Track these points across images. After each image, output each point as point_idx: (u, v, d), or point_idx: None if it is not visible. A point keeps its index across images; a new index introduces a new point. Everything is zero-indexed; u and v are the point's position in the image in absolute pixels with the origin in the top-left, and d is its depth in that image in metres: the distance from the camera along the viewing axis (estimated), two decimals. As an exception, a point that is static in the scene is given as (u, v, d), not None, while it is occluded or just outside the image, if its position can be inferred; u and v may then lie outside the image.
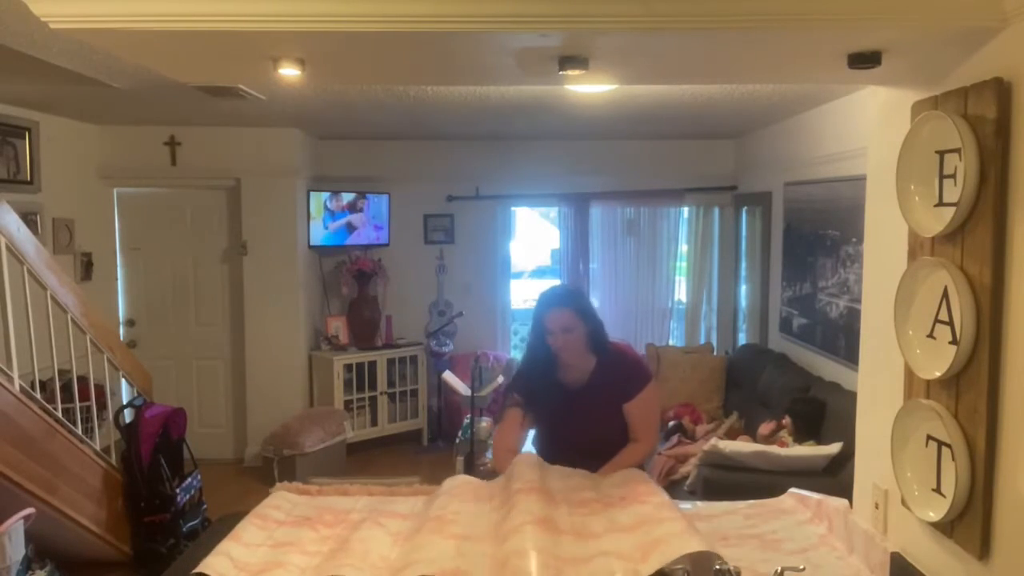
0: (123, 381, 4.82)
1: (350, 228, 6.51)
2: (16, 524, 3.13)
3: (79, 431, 3.94)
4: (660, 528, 1.92)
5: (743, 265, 6.63)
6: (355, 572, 1.90)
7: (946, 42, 1.65)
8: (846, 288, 4.46)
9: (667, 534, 1.87)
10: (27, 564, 3.35)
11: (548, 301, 2.66)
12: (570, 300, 2.68)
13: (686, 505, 2.64)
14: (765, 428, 4.49)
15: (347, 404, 6.26)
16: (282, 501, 2.44)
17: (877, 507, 2.03)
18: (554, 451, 2.54)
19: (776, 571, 1.84)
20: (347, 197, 6.46)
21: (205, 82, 3.54)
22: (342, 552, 2.02)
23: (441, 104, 4.78)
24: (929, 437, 1.72)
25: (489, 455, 4.77)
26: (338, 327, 6.43)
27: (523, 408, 2.74)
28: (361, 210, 6.54)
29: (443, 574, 1.83)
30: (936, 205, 1.69)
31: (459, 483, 2.39)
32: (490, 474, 4.60)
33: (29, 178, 5.04)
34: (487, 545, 2.03)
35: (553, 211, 7.84)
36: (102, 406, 4.54)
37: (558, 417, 2.72)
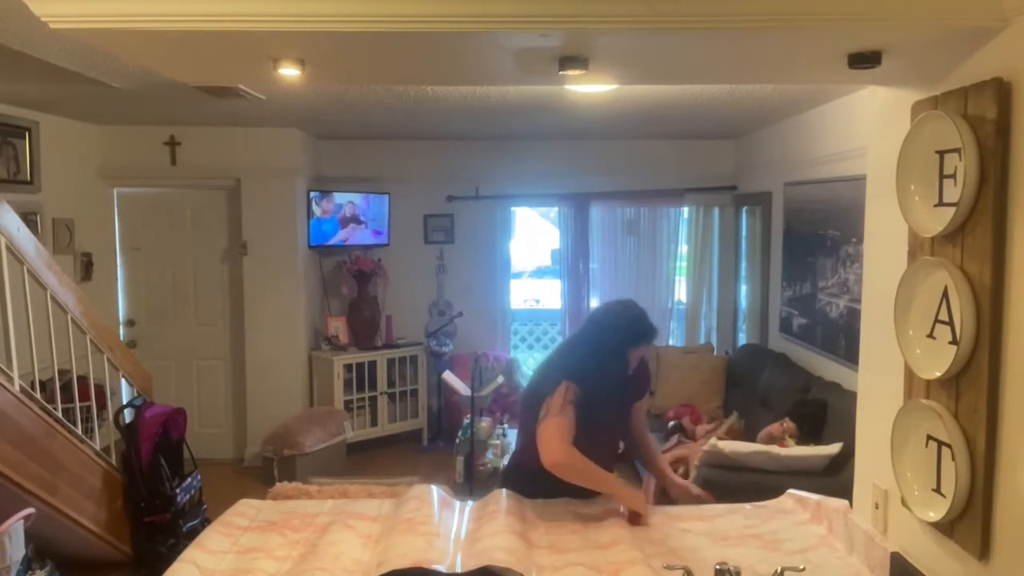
0: (123, 381, 4.81)
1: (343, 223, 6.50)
2: (16, 524, 3.13)
3: (79, 431, 3.93)
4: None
5: (743, 265, 6.63)
6: None
7: (946, 42, 1.65)
8: (846, 288, 4.46)
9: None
10: (27, 564, 3.35)
11: (646, 336, 2.61)
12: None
13: (687, 506, 2.65)
14: (767, 431, 4.46)
15: (347, 404, 6.26)
16: (246, 508, 2.45)
17: (877, 507, 2.03)
18: (596, 452, 2.48)
19: (776, 571, 1.84)
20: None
21: (205, 82, 3.53)
22: (313, 555, 2.02)
23: (441, 104, 4.78)
24: (929, 437, 1.72)
25: (490, 455, 4.76)
26: (338, 327, 6.42)
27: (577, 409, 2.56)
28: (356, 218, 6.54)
29: (414, 564, 1.84)
30: (936, 205, 1.69)
31: (429, 490, 2.40)
32: (489, 474, 4.61)
33: (29, 178, 5.03)
34: (459, 544, 2.05)
35: (553, 211, 7.84)
36: (102, 406, 4.53)
37: (606, 422, 2.66)
